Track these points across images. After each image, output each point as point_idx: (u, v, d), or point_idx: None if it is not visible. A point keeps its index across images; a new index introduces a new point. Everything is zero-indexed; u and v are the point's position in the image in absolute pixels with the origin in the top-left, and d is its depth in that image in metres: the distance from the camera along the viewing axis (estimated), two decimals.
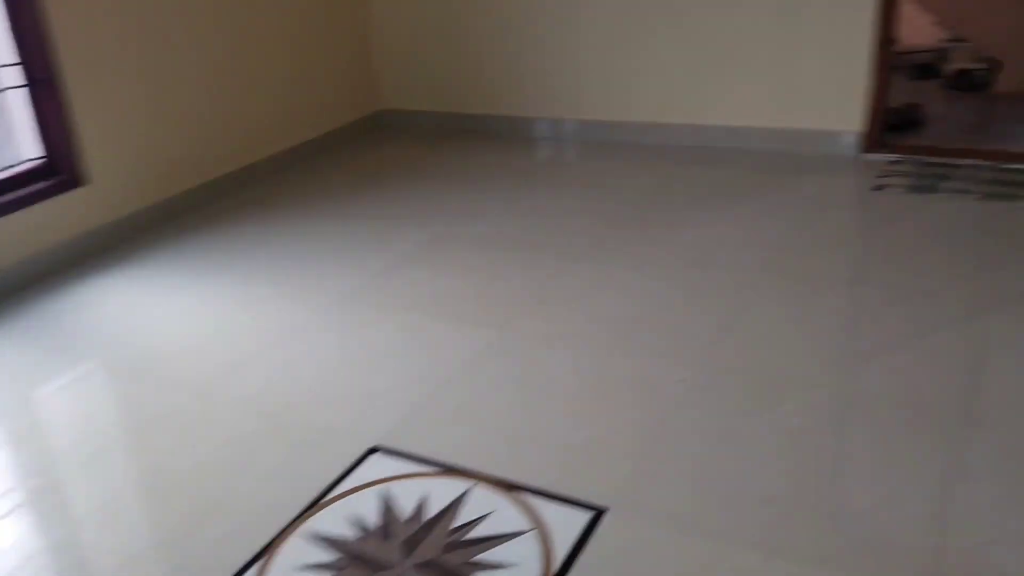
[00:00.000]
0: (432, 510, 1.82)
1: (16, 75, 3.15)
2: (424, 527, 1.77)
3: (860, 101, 3.79)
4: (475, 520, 1.78)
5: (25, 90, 3.17)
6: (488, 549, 1.70)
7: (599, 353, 2.45)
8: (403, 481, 1.92)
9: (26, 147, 3.25)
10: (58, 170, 3.27)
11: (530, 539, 1.72)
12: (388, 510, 1.83)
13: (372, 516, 1.82)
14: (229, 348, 2.60)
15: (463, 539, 1.73)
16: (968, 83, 4.88)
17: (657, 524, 1.75)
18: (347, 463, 2.00)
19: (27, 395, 2.44)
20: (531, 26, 4.35)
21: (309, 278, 3.05)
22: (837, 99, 3.83)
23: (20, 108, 3.21)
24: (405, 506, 1.84)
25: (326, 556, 1.72)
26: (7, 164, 3.19)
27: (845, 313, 2.59)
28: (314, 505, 1.86)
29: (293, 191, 3.99)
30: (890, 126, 3.93)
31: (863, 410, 2.10)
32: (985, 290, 2.63)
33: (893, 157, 3.80)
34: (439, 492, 1.87)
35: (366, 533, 1.77)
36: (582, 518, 1.76)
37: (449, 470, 1.95)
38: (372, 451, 2.04)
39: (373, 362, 2.48)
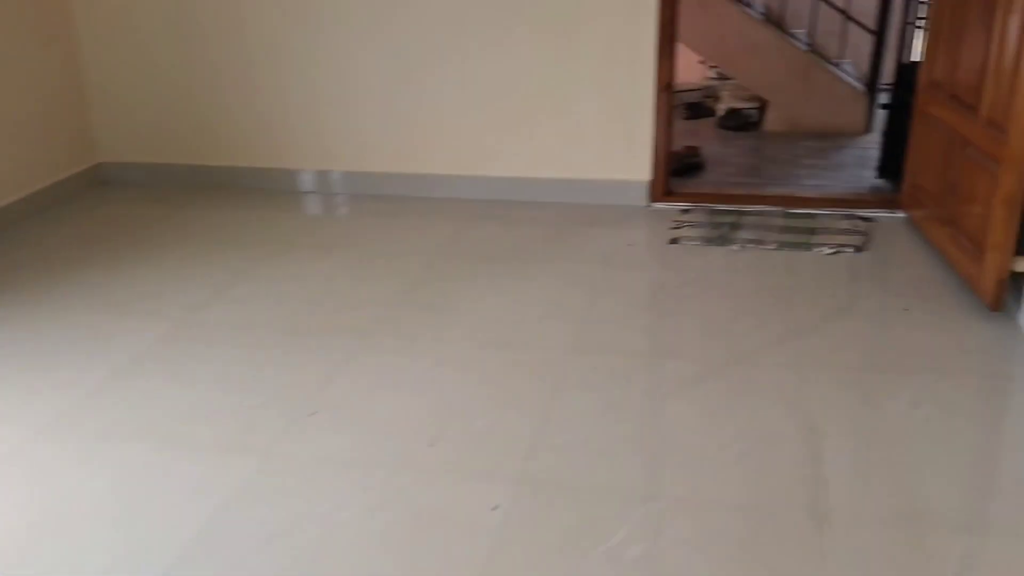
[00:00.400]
0: None
1: None
2: None
3: (645, 149, 3.59)
4: None
5: None
6: None
7: (391, 479, 1.94)
8: None
9: None
10: None
11: None
12: None
13: None
14: None
15: None
16: (740, 122, 4.92)
17: None
18: None
19: None
20: (285, 64, 3.78)
21: None
22: (622, 147, 3.61)
23: None
24: None
25: None
26: None
27: (655, 395, 2.27)
28: None
29: None
30: (672, 171, 3.78)
31: (702, 522, 1.76)
32: (803, 354, 2.42)
33: (683, 206, 3.63)
34: None
35: None
36: None
37: None
38: None
39: (83, 524, 1.81)
